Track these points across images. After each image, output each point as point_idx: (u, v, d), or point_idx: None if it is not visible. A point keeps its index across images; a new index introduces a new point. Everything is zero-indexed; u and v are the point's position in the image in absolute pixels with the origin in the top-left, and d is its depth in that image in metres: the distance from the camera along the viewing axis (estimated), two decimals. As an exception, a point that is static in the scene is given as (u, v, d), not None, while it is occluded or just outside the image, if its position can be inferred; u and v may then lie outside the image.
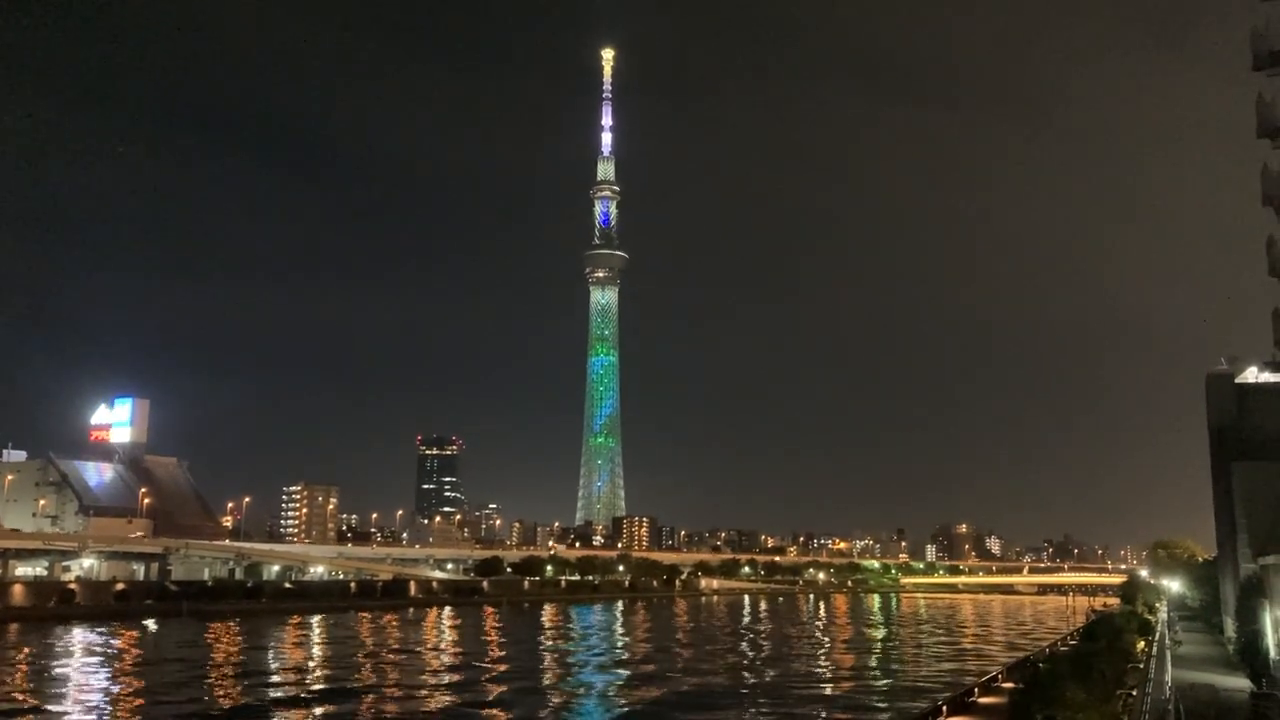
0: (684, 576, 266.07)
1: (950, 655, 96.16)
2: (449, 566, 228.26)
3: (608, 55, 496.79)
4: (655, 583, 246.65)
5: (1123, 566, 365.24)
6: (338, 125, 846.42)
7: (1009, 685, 44.48)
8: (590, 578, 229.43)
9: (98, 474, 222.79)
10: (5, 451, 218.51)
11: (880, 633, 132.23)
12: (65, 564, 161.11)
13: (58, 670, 72.68)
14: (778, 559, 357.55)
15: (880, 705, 60.89)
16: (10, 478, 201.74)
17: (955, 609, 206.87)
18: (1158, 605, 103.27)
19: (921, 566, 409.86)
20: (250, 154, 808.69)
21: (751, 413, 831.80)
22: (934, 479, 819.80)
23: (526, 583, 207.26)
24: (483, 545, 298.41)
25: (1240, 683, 42.96)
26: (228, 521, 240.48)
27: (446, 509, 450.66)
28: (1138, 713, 32.88)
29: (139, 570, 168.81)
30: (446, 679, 70.91)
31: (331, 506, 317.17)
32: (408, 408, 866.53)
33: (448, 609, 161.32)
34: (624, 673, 77.58)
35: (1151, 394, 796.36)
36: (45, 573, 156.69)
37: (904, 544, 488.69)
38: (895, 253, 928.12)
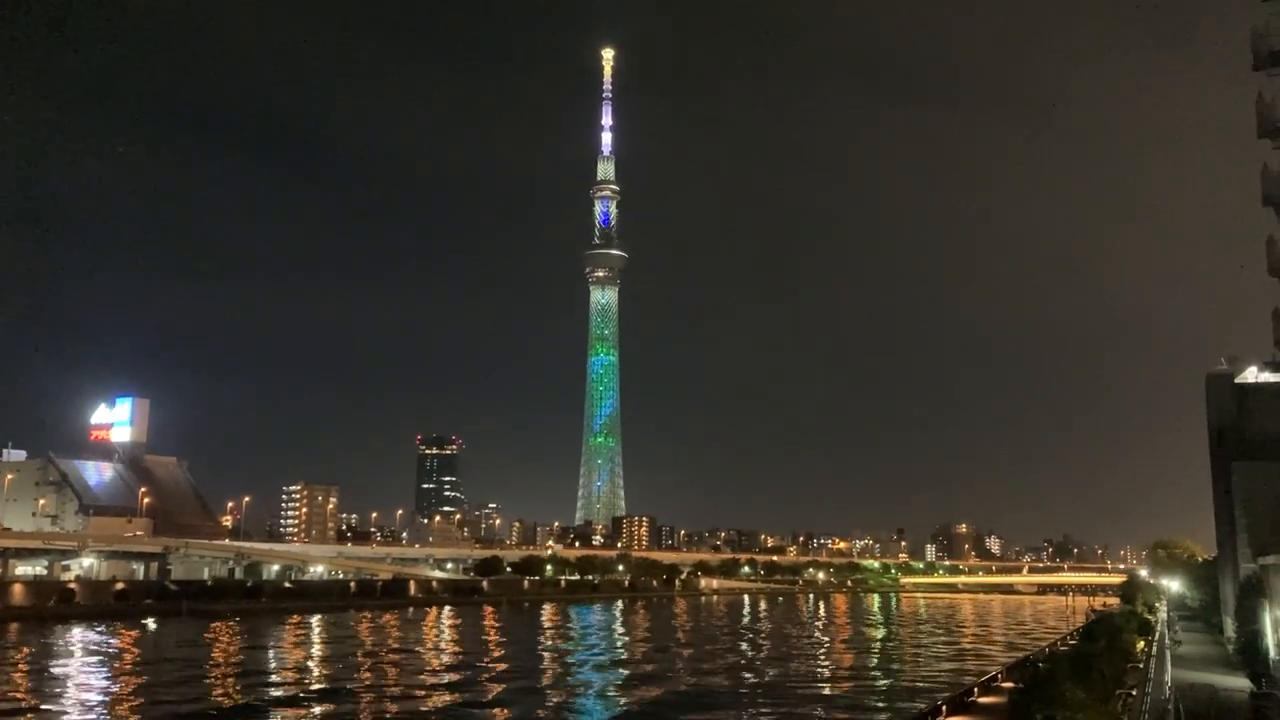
0: (684, 576, 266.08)
1: (950, 655, 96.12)
2: (449, 566, 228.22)
3: (608, 55, 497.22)
4: (655, 582, 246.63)
5: (1122, 566, 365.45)
6: (338, 125, 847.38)
7: (1009, 685, 44.46)
8: (590, 577, 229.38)
9: (97, 473, 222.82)
10: (5, 451, 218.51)
11: (880, 632, 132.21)
12: (65, 563, 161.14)
13: (57, 670, 72.66)
14: (777, 559, 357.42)
15: (880, 705, 60.89)
16: (10, 477, 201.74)
17: (955, 609, 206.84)
18: (1157, 605, 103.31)
19: (921, 566, 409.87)
20: (250, 154, 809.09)
21: (751, 413, 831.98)
22: (934, 479, 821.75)
23: (526, 582, 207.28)
24: (482, 545, 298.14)
25: (1240, 683, 42.97)
26: (227, 521, 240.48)
27: (446, 509, 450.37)
28: (1137, 712, 32.87)
29: (139, 570, 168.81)
30: (446, 679, 70.88)
31: (331, 506, 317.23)
32: (408, 408, 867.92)
33: (447, 608, 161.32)
34: (623, 672, 77.59)
35: (1151, 394, 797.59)
36: (45, 572, 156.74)
37: (904, 544, 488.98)
38: (895, 253, 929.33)
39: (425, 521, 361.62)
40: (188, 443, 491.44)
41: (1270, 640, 44.39)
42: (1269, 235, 55.17)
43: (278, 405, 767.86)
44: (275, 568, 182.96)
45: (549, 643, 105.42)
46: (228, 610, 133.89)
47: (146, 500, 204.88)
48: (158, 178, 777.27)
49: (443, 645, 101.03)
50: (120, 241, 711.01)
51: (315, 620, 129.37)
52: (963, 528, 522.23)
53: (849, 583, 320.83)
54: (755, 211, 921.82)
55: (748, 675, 76.31)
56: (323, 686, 65.02)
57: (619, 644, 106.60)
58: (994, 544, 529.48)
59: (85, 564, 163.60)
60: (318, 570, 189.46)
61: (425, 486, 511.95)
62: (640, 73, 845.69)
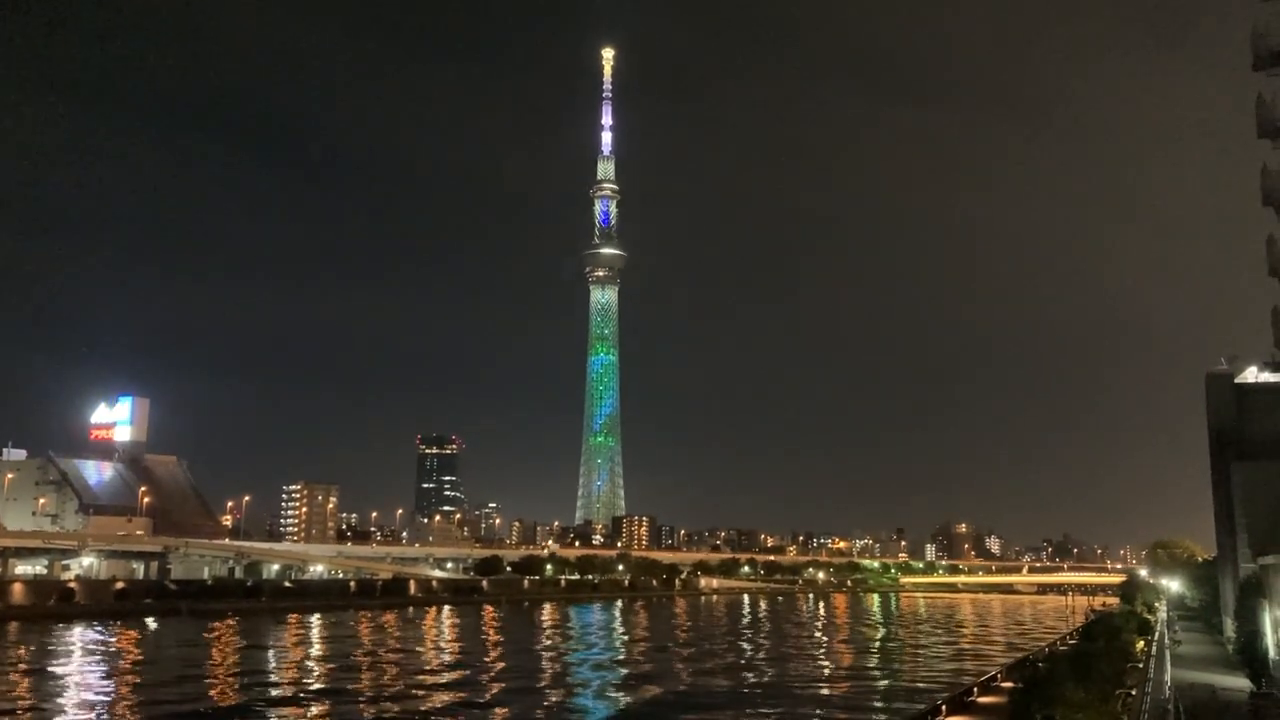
0: (683, 576, 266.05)
1: (949, 655, 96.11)
2: (448, 565, 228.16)
3: (608, 55, 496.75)
4: (655, 582, 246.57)
5: (1122, 566, 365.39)
6: (338, 125, 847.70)
7: (1008, 685, 44.53)
8: (590, 577, 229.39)
9: (97, 473, 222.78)
10: (5, 450, 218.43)
11: (879, 632, 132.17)
12: (65, 563, 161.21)
13: (57, 669, 72.59)
14: (777, 558, 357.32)
15: (879, 705, 60.89)
16: (10, 476, 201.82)
17: (955, 608, 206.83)
18: (1157, 605, 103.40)
19: (921, 566, 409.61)
20: (250, 154, 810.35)
21: (751, 413, 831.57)
22: (934, 479, 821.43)
23: (526, 582, 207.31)
24: (482, 544, 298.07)
25: (1239, 683, 42.99)
26: (227, 520, 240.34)
27: (446, 508, 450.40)
28: (1137, 712, 32.86)
29: (139, 569, 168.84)
30: (445, 678, 70.89)
31: (331, 506, 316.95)
32: (408, 407, 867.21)
33: (447, 608, 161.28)
34: (623, 672, 77.61)
35: (1151, 394, 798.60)
36: (45, 571, 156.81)
37: (904, 543, 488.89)
38: (895, 253, 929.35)
39: (425, 521, 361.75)
40: (188, 443, 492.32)
41: (1270, 640, 44.38)
42: (1269, 235, 55.21)
43: (278, 405, 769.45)
44: (275, 567, 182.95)
45: (548, 642, 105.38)
46: (228, 610, 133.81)
47: (146, 500, 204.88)
48: (158, 178, 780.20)
49: (442, 645, 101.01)
50: (120, 241, 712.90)
51: (315, 620, 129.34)
52: (962, 527, 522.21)
53: (849, 582, 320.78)
54: (755, 211, 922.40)
55: (747, 675, 76.31)
56: (322, 686, 64.99)
57: (618, 643, 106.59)
58: (994, 544, 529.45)
59: (85, 563, 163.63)
60: (317, 570, 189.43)
61: (425, 486, 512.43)
62: (640, 73, 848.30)
